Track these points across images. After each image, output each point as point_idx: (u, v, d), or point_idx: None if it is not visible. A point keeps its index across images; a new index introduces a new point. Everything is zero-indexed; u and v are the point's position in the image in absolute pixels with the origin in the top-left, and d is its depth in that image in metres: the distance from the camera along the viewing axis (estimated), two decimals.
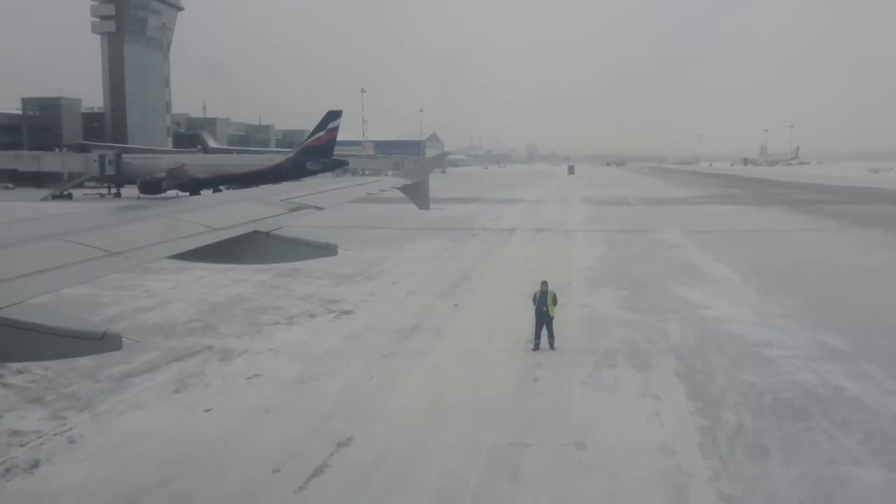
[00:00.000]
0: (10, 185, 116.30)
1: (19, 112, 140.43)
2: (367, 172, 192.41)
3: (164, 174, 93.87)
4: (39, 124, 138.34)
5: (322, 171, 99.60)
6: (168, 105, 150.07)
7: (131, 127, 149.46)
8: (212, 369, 19.40)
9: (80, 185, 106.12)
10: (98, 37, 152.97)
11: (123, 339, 6.10)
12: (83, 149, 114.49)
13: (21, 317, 5.61)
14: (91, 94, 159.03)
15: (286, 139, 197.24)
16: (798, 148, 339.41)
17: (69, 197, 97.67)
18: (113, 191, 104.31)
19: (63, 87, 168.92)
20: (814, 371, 19.32)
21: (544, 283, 21.29)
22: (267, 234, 9.69)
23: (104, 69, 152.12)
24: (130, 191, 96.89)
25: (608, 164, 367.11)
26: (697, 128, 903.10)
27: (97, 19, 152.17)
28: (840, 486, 12.70)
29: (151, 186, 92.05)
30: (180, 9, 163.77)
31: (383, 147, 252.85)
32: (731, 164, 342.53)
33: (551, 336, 21.16)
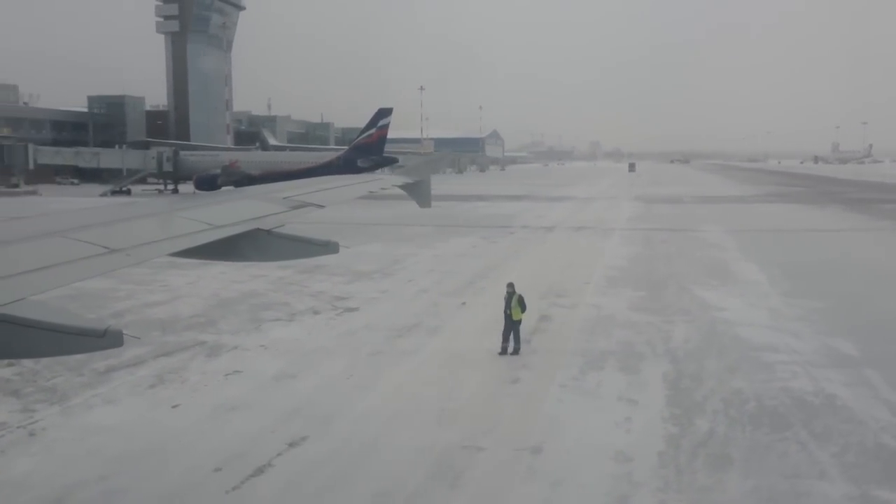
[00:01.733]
0: (76, 180, 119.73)
1: (86, 110, 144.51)
2: None
3: (219, 171, 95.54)
4: (104, 122, 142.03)
5: (372, 168, 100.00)
6: (228, 103, 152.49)
7: (194, 125, 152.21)
8: (196, 365, 19.49)
9: (143, 181, 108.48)
10: (162, 36, 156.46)
11: (125, 335, 6.02)
12: (143, 146, 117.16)
13: (22, 314, 5.60)
14: (157, 93, 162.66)
15: (345, 137, 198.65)
16: (871, 145, 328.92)
17: (128, 192, 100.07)
18: (171, 187, 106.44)
19: (129, 86, 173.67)
20: (811, 378, 18.53)
21: (510, 286, 20.64)
22: (268, 231, 9.64)
23: (168, 68, 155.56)
24: (188, 187, 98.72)
25: (672, 162, 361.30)
26: (766, 124, 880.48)
27: (161, 19, 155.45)
28: (794, 500, 12.07)
29: (206, 183, 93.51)
30: (242, 8, 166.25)
31: (443, 144, 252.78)
32: (801, 162, 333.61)
33: (517, 341, 20.49)
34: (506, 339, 20.33)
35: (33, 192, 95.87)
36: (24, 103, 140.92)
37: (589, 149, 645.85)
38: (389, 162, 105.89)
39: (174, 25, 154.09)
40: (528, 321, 24.22)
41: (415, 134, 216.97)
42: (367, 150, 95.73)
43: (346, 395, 17.23)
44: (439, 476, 12.84)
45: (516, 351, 20.34)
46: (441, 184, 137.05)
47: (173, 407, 16.35)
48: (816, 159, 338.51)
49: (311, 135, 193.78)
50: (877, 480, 12.73)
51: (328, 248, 10.10)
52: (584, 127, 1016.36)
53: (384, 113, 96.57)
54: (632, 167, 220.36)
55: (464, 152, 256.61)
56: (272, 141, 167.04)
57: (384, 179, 22.27)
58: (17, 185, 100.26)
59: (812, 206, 77.16)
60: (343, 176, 20.67)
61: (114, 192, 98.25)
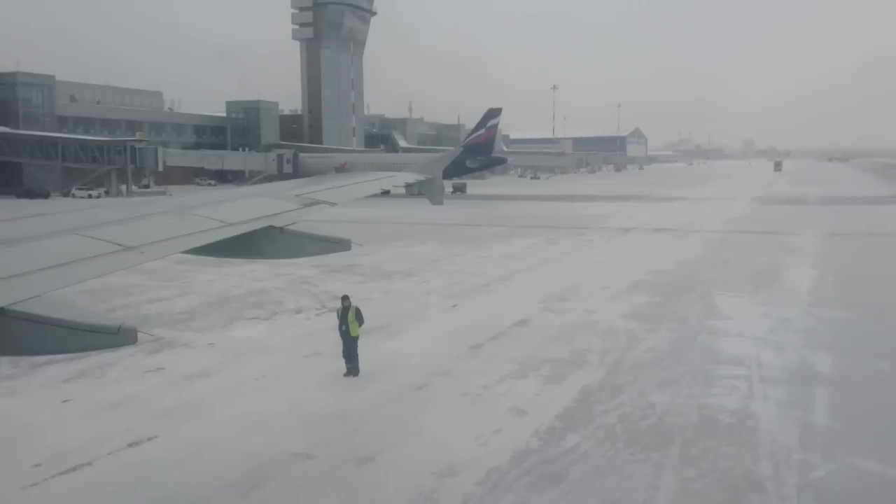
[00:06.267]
0: (213, 182, 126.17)
1: (224, 115, 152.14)
2: (557, 171, 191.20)
3: (333, 171, 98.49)
4: (241, 126, 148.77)
5: (481, 168, 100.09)
6: (354, 106, 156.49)
7: (326, 128, 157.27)
8: (129, 361, 19.76)
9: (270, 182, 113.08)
10: (298, 43, 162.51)
11: (139, 332, 6.13)
12: (269, 149, 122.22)
13: (38, 311, 5.71)
14: (293, 98, 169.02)
15: None
16: None
17: None
18: None
19: (266, 92, 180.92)
20: (747, 395, 16.89)
21: (345, 298, 19.21)
22: (281, 229, 9.72)
23: (302, 73, 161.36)
24: None
25: (830, 160, 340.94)
26: None
27: (297, 27, 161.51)
28: None
29: None
30: (373, 13, 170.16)
31: (582, 144, 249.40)
32: None
33: (351, 360, 18.52)
34: (350, 360, 18.51)
35: (162, 193, 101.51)
36: (169, 109, 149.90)
37: (742, 147, 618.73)
38: (498, 162, 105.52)
39: (309, 32, 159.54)
40: (499, 325, 23.61)
41: (549, 134, 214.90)
42: (476, 151, 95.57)
43: (238, 397, 17.06)
44: (239, 484, 12.44)
45: (353, 371, 18.50)
46: (563, 183, 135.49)
47: (63, 402, 16.71)
48: None
49: (441, 136, 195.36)
50: None
51: (341, 245, 10.08)
52: (738, 124, 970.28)
53: (493, 113, 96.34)
54: (777, 166, 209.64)
55: (604, 151, 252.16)
56: (402, 143, 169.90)
57: (397, 177, 21.98)
58: (147, 186, 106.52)
59: None
60: (356, 173, 20.48)
61: None
